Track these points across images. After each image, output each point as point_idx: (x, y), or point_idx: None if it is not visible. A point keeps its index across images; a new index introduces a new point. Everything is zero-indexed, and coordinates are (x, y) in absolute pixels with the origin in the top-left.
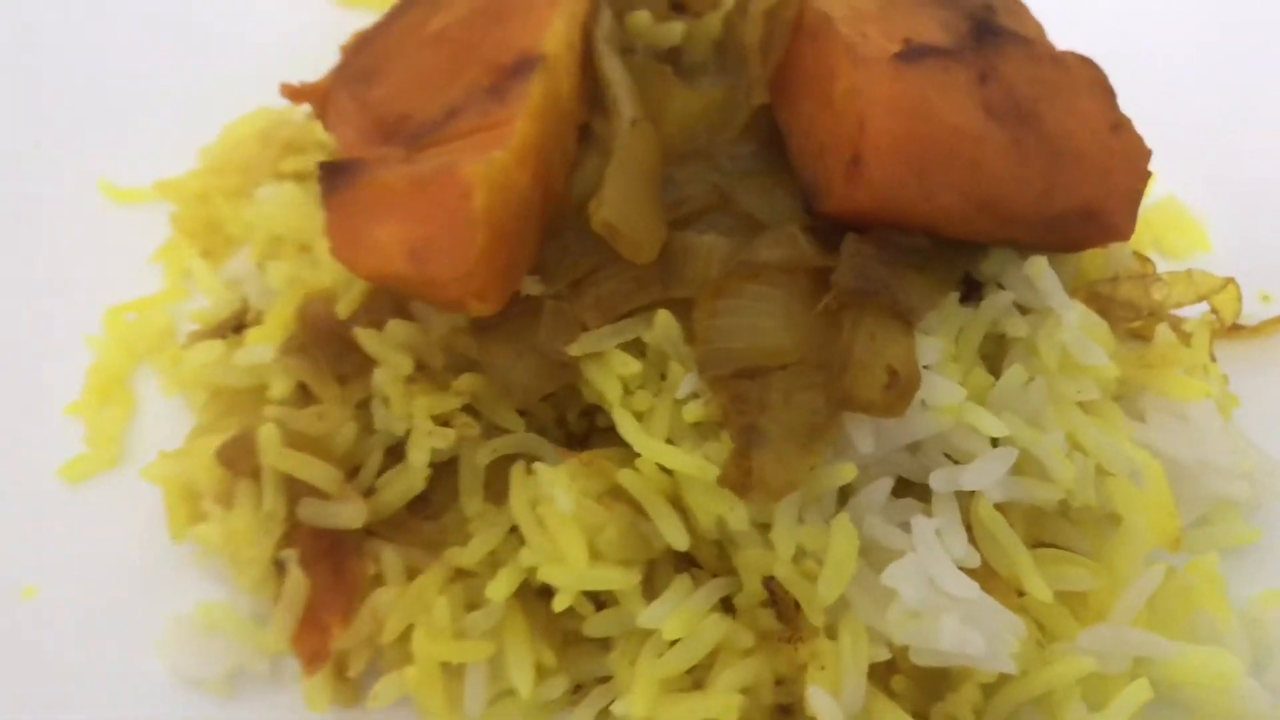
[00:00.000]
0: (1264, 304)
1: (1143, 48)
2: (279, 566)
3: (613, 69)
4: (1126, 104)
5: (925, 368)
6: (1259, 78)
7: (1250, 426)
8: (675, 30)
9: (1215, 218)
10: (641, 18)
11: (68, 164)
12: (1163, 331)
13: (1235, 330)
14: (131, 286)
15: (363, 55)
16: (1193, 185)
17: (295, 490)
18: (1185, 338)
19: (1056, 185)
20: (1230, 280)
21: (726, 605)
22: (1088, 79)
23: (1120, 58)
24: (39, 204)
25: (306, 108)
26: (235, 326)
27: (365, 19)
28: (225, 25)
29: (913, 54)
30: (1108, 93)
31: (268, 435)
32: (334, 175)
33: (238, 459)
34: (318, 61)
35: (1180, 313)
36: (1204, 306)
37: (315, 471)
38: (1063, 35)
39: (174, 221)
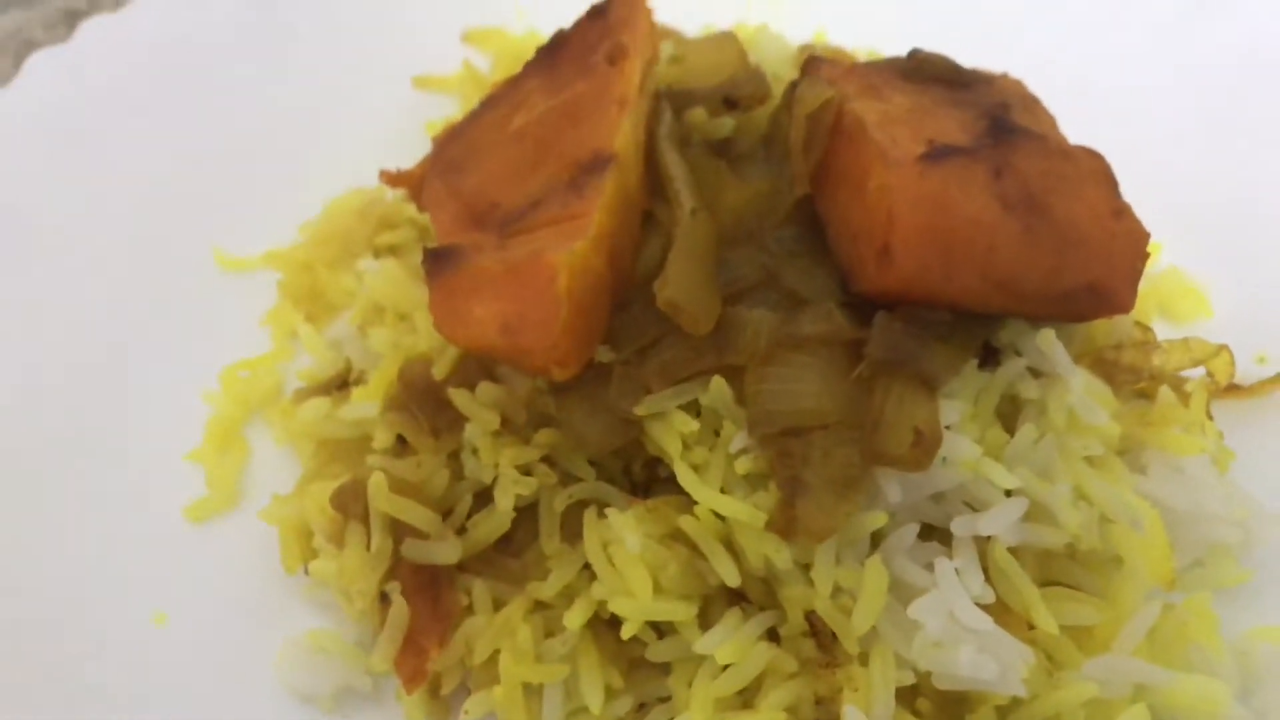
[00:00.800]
0: (1260, 365)
1: (1153, 134)
2: (383, 597)
3: (674, 164)
4: (1137, 184)
5: (947, 427)
6: (1257, 164)
7: (1246, 477)
8: (727, 124)
9: (1216, 287)
10: (698, 114)
11: (185, 236)
12: (1164, 392)
13: (1233, 390)
14: (243, 347)
15: (453, 147)
16: (1196, 257)
17: (399, 530)
18: (1185, 398)
19: (1064, 266)
20: (1223, 347)
21: (772, 635)
22: (1093, 170)
23: (1131, 143)
24: (160, 271)
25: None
26: (339, 384)
27: (443, 101)
28: (321, 110)
29: (936, 154)
30: (1111, 182)
31: (377, 483)
32: (437, 260)
33: (349, 503)
34: (402, 138)
35: (1187, 373)
36: (1201, 370)
37: (416, 514)
38: (1075, 122)
39: (281, 288)
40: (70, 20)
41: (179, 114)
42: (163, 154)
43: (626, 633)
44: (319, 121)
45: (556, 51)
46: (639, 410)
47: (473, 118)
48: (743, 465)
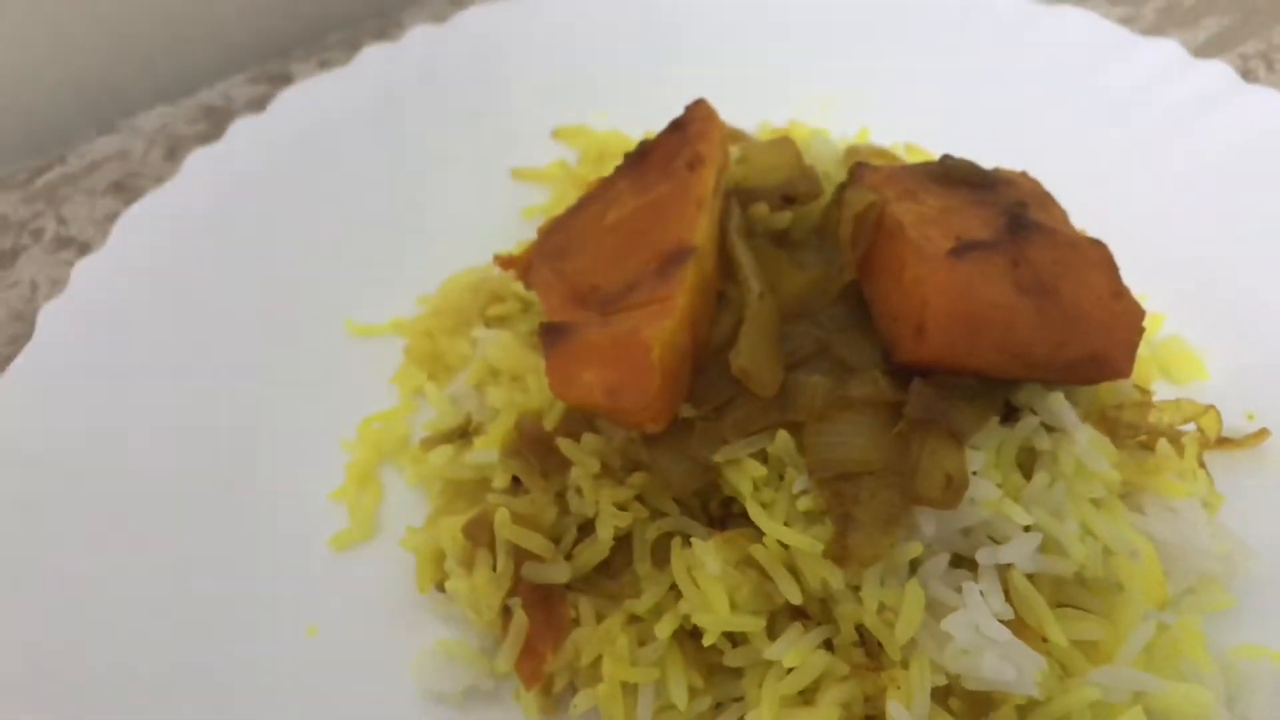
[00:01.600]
0: (1249, 421)
1: (1162, 219)
2: (505, 611)
3: (743, 253)
4: (1144, 261)
5: (973, 473)
6: (1252, 247)
7: (1236, 517)
8: (785, 218)
9: (1213, 353)
10: (761, 209)
11: (324, 308)
12: (1162, 445)
13: (1224, 442)
14: (375, 402)
15: (556, 236)
16: (1195, 326)
17: (519, 555)
18: (1180, 449)
19: (1071, 340)
20: (1211, 407)
21: (828, 645)
22: (1097, 258)
23: (1140, 228)
24: (301, 338)
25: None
26: (460, 435)
27: (536, 191)
28: (434, 198)
29: (962, 249)
30: (1112, 269)
31: (502, 516)
32: (552, 333)
33: (477, 532)
34: (502, 224)
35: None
36: (1193, 425)
37: (533, 542)
38: (1089, 212)
39: (406, 352)
40: (209, 115)
41: (316, 202)
42: (303, 237)
43: (707, 641)
44: (432, 208)
45: (643, 158)
46: (717, 457)
47: (572, 212)
48: (803, 504)
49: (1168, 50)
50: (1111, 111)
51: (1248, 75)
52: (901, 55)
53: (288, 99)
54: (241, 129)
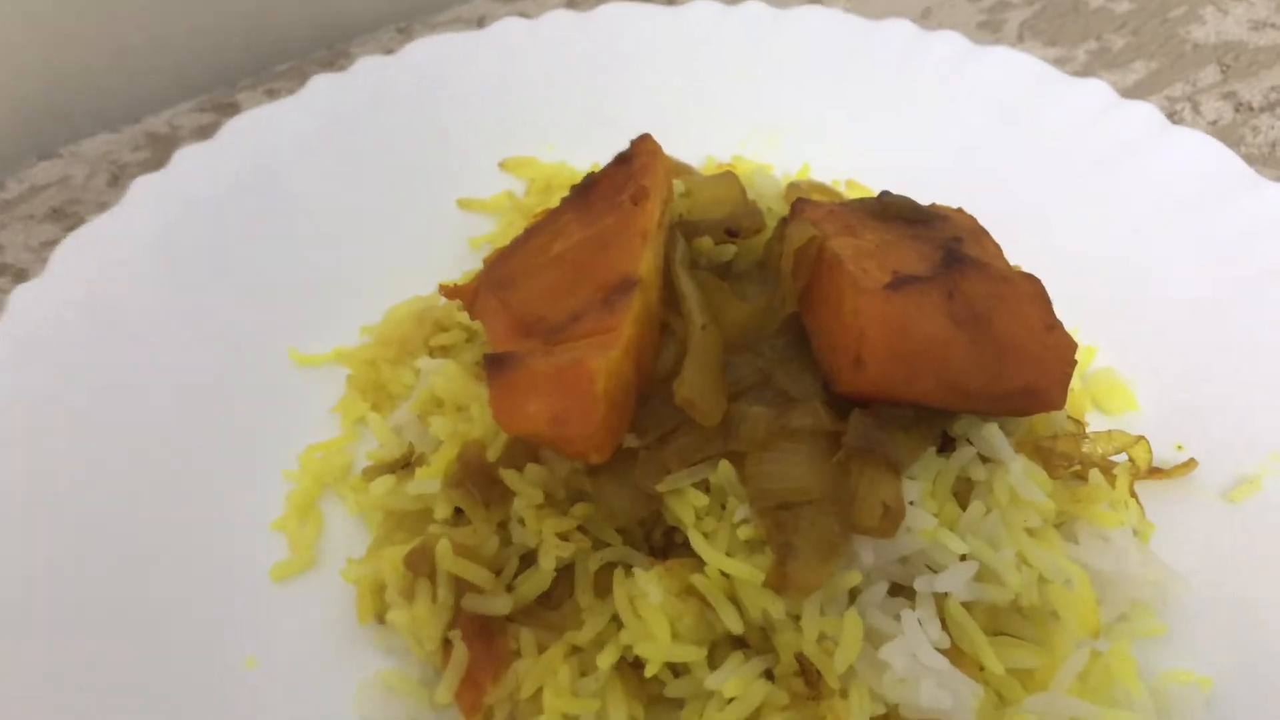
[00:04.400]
0: (1178, 451)
1: (1090, 254)
2: (446, 642)
3: (686, 285)
4: (1075, 295)
5: (910, 503)
6: (1182, 282)
7: (1164, 546)
8: (729, 251)
9: (1144, 385)
10: (705, 242)
11: (266, 337)
12: (1094, 475)
13: (1155, 472)
14: (317, 432)
15: (502, 267)
16: (1127, 359)
17: (460, 586)
18: (1112, 479)
19: (1005, 372)
20: (1141, 437)
21: (768, 674)
22: (1030, 291)
23: (1071, 258)
24: (244, 367)
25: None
26: (403, 464)
27: (482, 221)
28: (380, 228)
29: (899, 283)
30: (1045, 301)
31: (444, 548)
32: (496, 363)
33: (418, 563)
34: (449, 253)
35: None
36: (1124, 456)
37: (474, 573)
38: (1022, 248)
39: (349, 382)
40: (154, 142)
41: (260, 231)
42: (247, 266)
43: (648, 672)
44: (378, 237)
45: (589, 191)
46: (660, 487)
47: (518, 243)
48: (744, 533)
49: (1098, 91)
50: (1045, 150)
51: (1174, 117)
52: (843, 93)
53: (235, 127)
54: (187, 156)
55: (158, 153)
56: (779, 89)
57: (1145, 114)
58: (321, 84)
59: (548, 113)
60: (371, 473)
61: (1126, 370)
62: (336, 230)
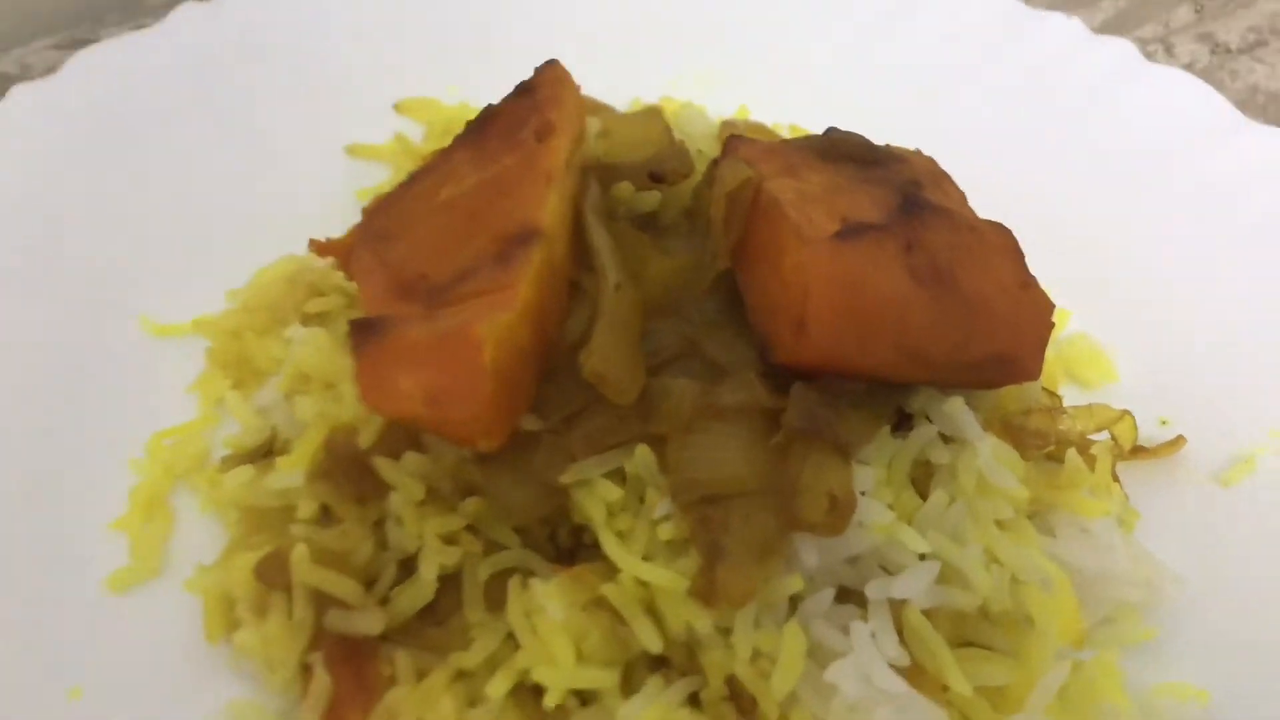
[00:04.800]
0: (1163, 427)
1: (1062, 206)
2: (306, 669)
3: (599, 237)
4: (1045, 253)
5: (861, 493)
6: (1161, 236)
7: (1151, 536)
8: (652, 198)
9: (1123, 352)
10: (624, 188)
11: (112, 302)
12: (1071, 456)
13: (1138, 451)
14: (169, 414)
15: (382, 217)
16: (1103, 323)
17: (322, 601)
18: (1091, 461)
19: (973, 336)
20: (1126, 413)
21: (694, 700)
22: (1000, 244)
23: (1041, 216)
24: (86, 339)
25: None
26: (265, 453)
27: (375, 170)
28: (251, 176)
29: (849, 232)
30: (1017, 255)
31: (299, 555)
32: (363, 331)
33: (272, 574)
34: (335, 205)
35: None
36: (1105, 434)
37: (339, 585)
38: (987, 197)
39: (209, 355)
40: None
41: (110, 181)
42: (94, 221)
43: (549, 701)
44: (250, 188)
45: (485, 126)
46: (564, 478)
47: (402, 188)
48: (665, 532)
49: (1068, 27)
50: (1010, 91)
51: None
52: (786, 29)
53: (81, 61)
54: (23, 94)
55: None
56: (714, 25)
57: (1120, 51)
58: (187, 12)
59: (450, 48)
60: (229, 463)
61: (1103, 336)
62: (199, 179)
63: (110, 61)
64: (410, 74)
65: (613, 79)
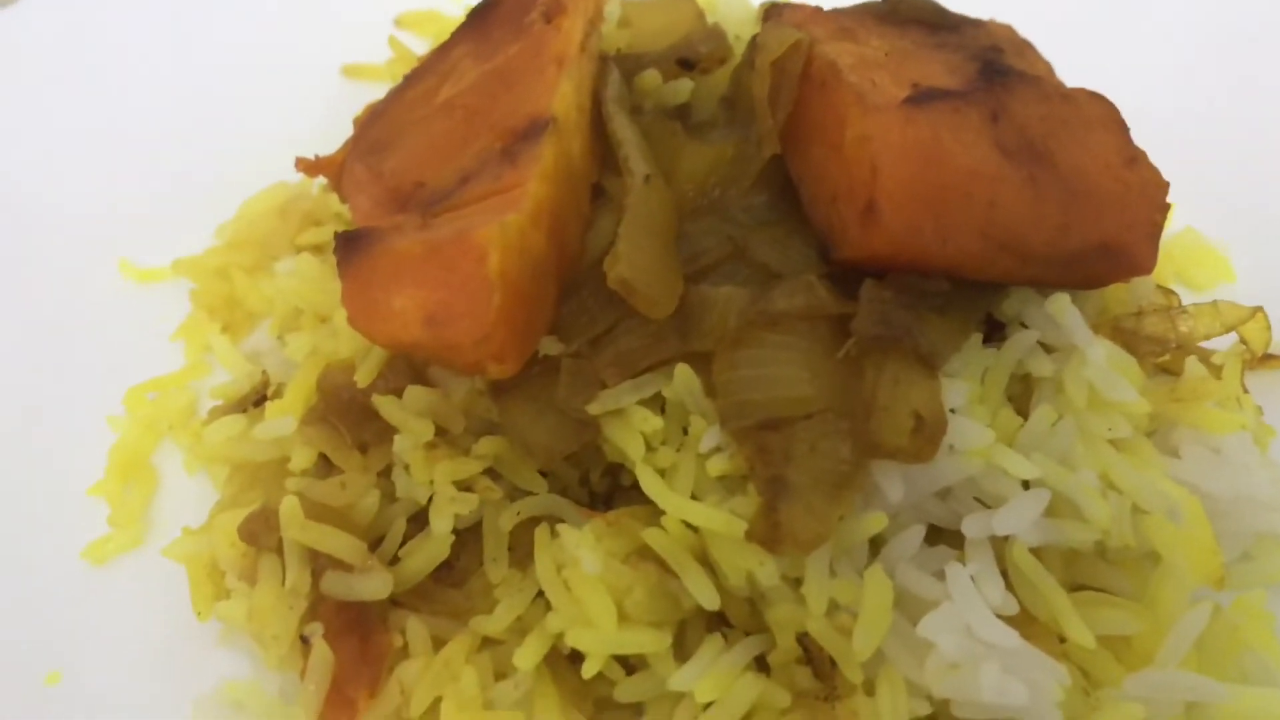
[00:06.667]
0: None
1: (1156, 82)
2: (304, 642)
3: (622, 128)
4: (1140, 138)
5: (951, 411)
6: (1272, 109)
7: None
8: (684, 88)
9: (1237, 248)
10: (650, 77)
11: (87, 246)
12: (1192, 365)
13: (1267, 360)
14: (153, 365)
15: (376, 127)
16: (1213, 216)
17: (319, 563)
18: (1215, 370)
19: (1074, 222)
20: (1258, 309)
21: (760, 664)
22: (1100, 114)
23: (1133, 93)
24: (59, 286)
25: (322, 180)
26: (256, 400)
27: (374, 90)
28: (238, 102)
29: (922, 97)
30: (1121, 127)
31: (289, 508)
32: (349, 244)
33: (260, 533)
34: (330, 133)
35: (1208, 345)
36: (1232, 337)
37: (338, 543)
38: (1074, 75)
39: (194, 298)
40: None
41: (79, 108)
42: (60, 153)
43: (589, 670)
44: (239, 115)
45: (488, 14)
46: (593, 408)
47: (397, 93)
48: (716, 466)
49: None
50: None
51: None
52: None
53: None
54: None
55: None
56: None
57: None
58: None
59: None
60: (216, 414)
61: (1213, 232)
62: (183, 106)
63: None
64: None
65: None
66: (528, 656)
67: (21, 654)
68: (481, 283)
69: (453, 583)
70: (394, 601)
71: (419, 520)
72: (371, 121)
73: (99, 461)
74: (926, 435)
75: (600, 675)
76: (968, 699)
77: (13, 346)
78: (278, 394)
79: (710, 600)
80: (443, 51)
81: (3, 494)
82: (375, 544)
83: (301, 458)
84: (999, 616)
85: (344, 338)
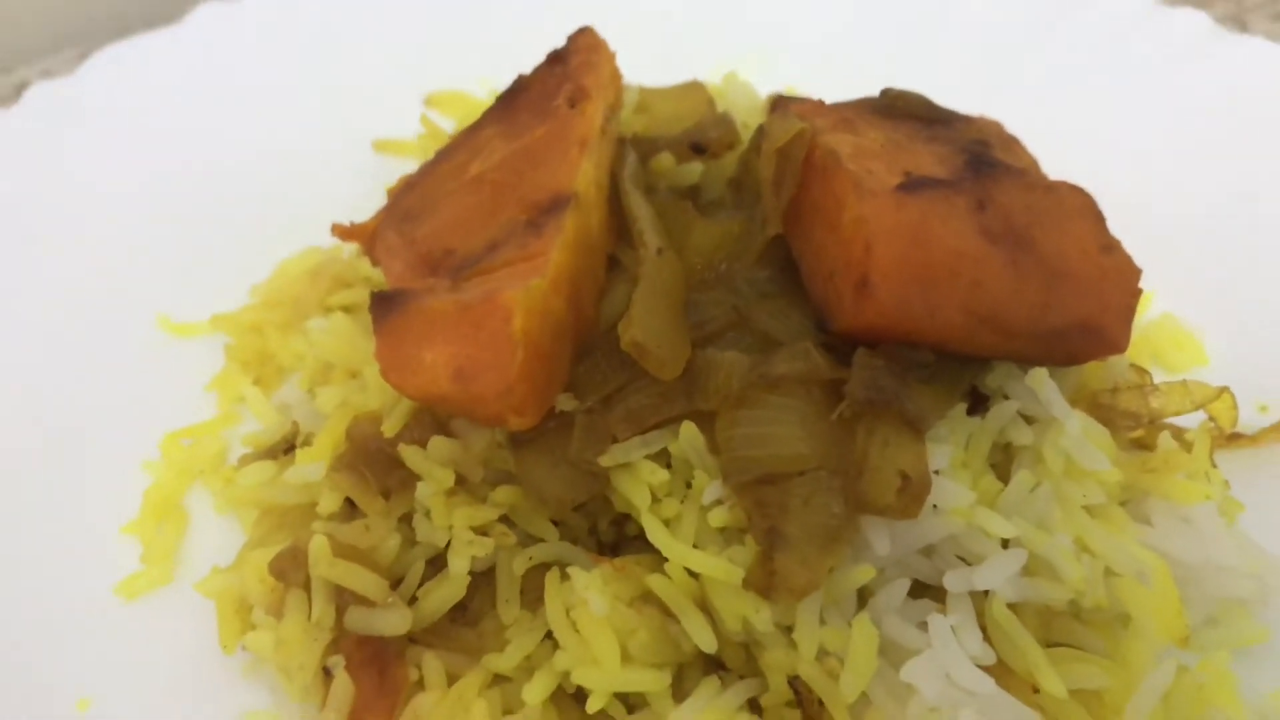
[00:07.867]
0: (1262, 414)
1: (1140, 177)
2: (326, 673)
3: (637, 205)
4: (1122, 227)
5: (936, 472)
6: (1248, 202)
7: (1254, 532)
8: (695, 170)
9: (1211, 333)
10: (664, 159)
11: (129, 302)
12: (1164, 439)
13: (1235, 439)
14: (188, 414)
15: (409, 196)
16: (1189, 302)
17: (343, 599)
18: (1186, 445)
19: (1053, 302)
20: (1225, 389)
21: (754, 705)
22: (1078, 205)
23: (1116, 185)
24: (101, 339)
25: (353, 246)
26: (286, 448)
27: (404, 164)
28: (276, 171)
29: (913, 185)
30: (1098, 217)
31: (318, 546)
32: (384, 303)
33: (288, 570)
34: (361, 203)
35: (1181, 423)
36: (1202, 415)
37: (362, 581)
38: (1057, 166)
39: (228, 352)
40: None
41: (129, 179)
42: (109, 216)
43: (592, 706)
44: (275, 184)
45: (515, 98)
46: (604, 461)
47: (429, 167)
48: (717, 518)
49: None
50: (1081, 61)
51: None
52: (830, 9)
53: (101, 59)
54: (40, 93)
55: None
56: (751, 8)
57: (1194, 21)
58: (207, 11)
59: (483, 38)
60: (247, 460)
61: (1190, 317)
62: (223, 175)
63: (129, 60)
64: (439, 67)
65: (650, 70)
66: (536, 692)
67: (56, 680)
68: (506, 341)
69: (467, 622)
70: (411, 638)
71: (437, 563)
72: (405, 192)
73: (134, 502)
74: (912, 494)
75: (603, 712)
76: None
77: (59, 392)
78: (306, 442)
79: (709, 643)
80: (473, 130)
81: (42, 531)
82: (395, 584)
83: (329, 501)
84: (977, 665)
85: (373, 391)
